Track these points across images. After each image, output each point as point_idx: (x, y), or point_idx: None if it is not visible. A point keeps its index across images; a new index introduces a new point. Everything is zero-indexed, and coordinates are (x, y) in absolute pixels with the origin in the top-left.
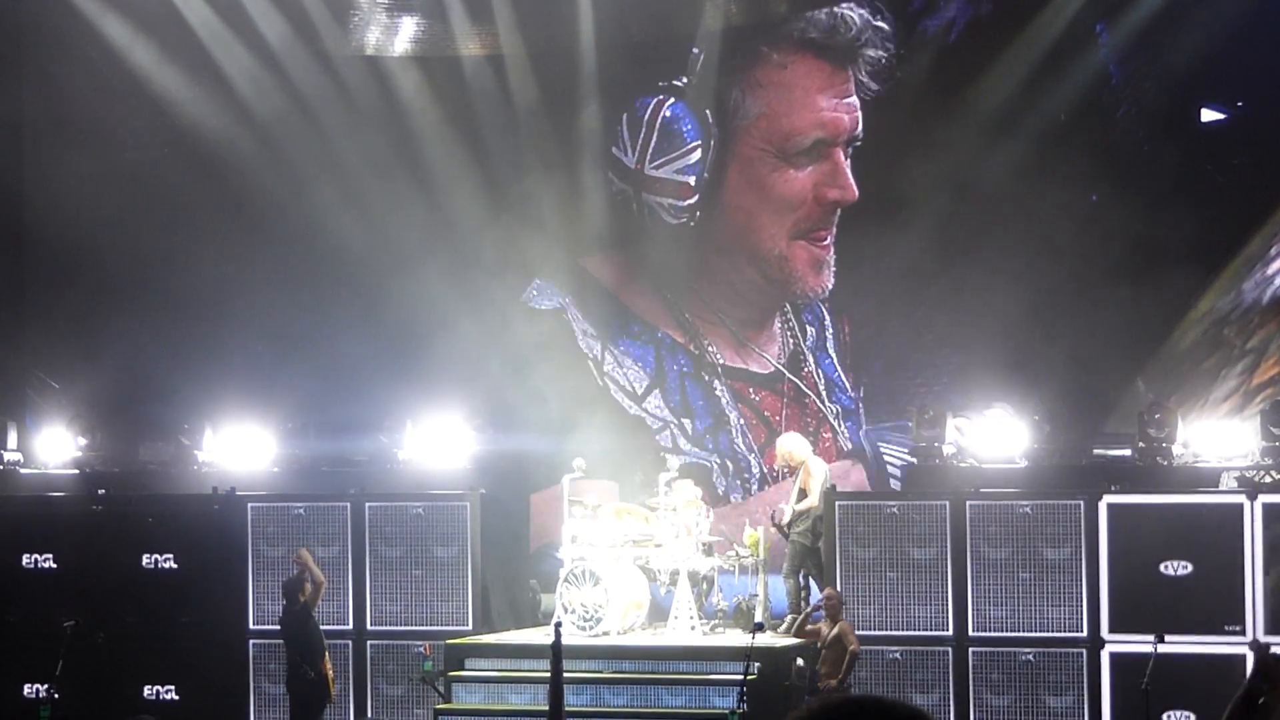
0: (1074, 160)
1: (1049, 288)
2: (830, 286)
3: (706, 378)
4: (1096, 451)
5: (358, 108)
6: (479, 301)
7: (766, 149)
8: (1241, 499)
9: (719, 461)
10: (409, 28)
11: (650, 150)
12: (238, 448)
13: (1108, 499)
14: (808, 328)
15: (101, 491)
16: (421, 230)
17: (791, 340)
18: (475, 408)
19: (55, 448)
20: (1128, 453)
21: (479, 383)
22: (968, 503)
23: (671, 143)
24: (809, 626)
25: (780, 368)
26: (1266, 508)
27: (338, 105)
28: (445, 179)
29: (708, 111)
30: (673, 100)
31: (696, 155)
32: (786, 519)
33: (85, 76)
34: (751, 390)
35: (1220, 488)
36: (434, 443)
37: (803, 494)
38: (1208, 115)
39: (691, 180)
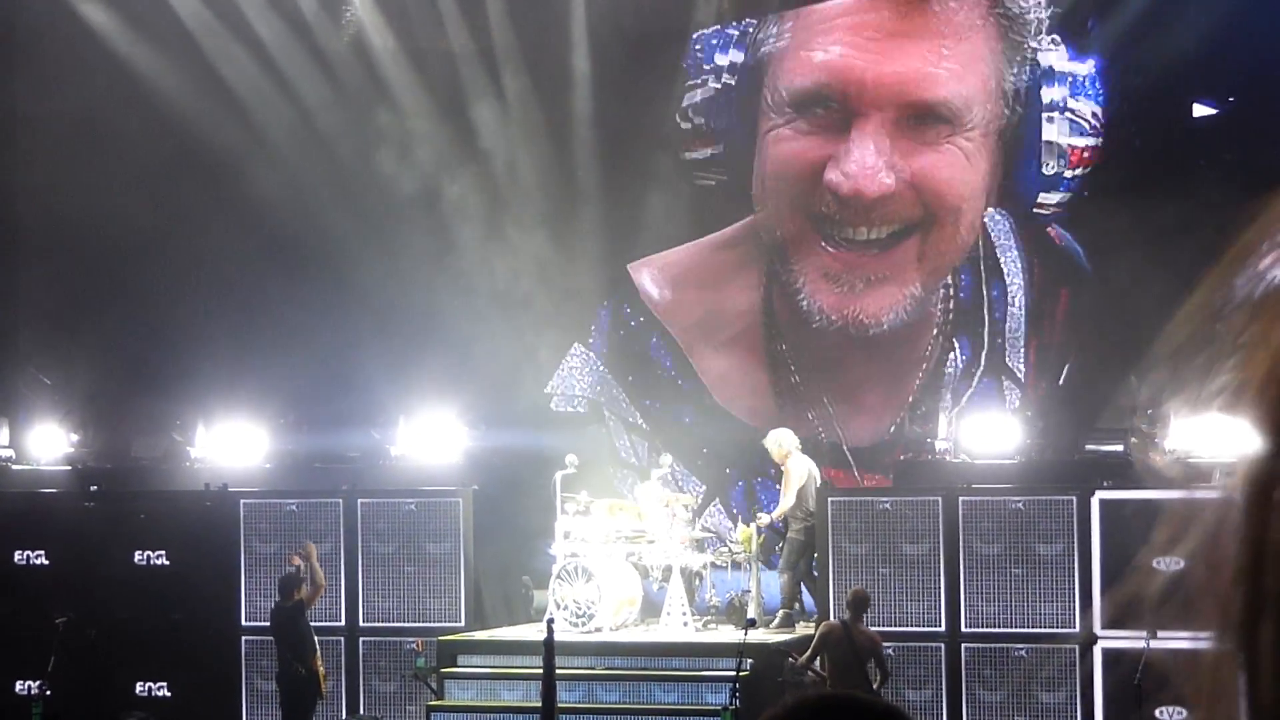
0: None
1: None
2: (877, 319)
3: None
4: (1089, 447)
5: (352, 102)
6: (472, 296)
7: (772, 97)
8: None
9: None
10: (400, 20)
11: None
12: (230, 444)
13: (1100, 495)
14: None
15: (94, 488)
16: (415, 225)
17: None
18: (468, 403)
19: (47, 444)
20: (1120, 448)
21: (472, 378)
22: (960, 499)
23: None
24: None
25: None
26: None
27: (333, 101)
28: (439, 171)
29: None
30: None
31: (700, 94)
32: (764, 522)
33: (78, 72)
34: None
35: (1213, 483)
36: (427, 439)
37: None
38: (1199, 110)
39: (703, 122)
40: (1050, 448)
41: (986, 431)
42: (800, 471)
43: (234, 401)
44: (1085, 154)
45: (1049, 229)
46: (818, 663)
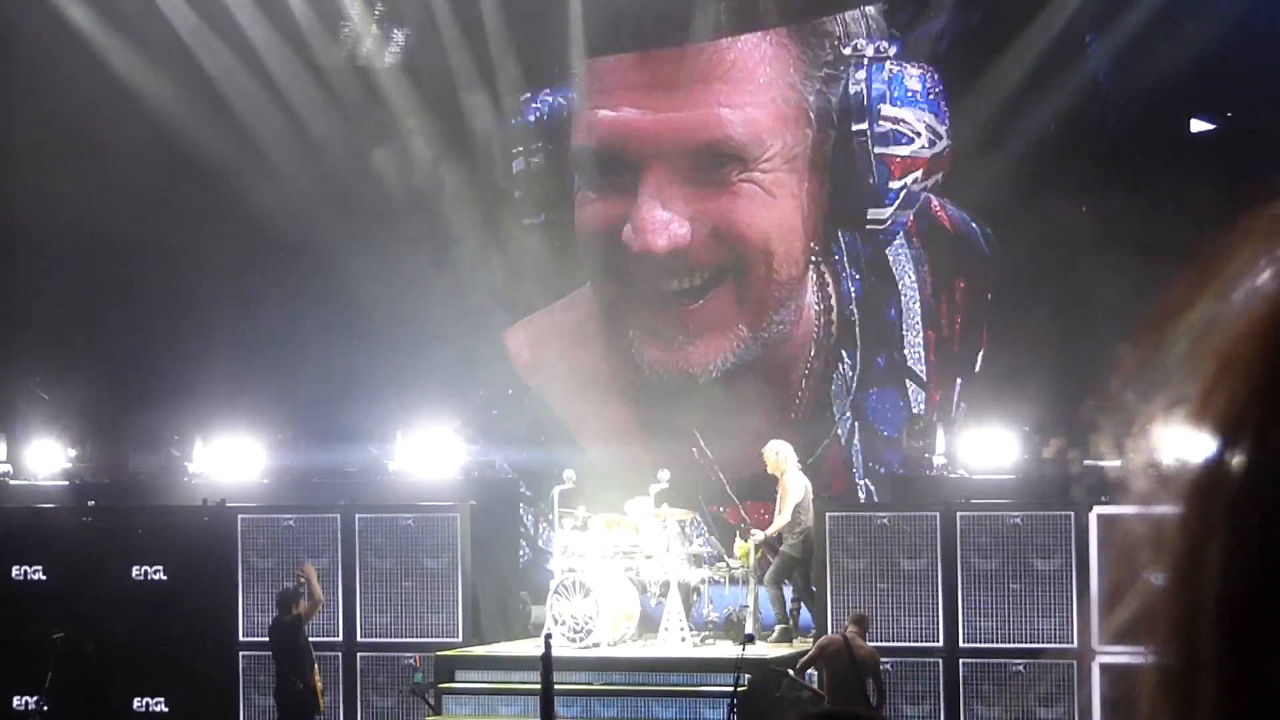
0: (1064, 171)
1: (1039, 297)
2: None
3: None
4: (1087, 462)
5: (350, 119)
6: (470, 311)
7: (573, 161)
8: None
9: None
10: (400, 38)
11: None
12: (228, 459)
13: (1098, 510)
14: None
15: (91, 503)
16: (414, 241)
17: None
18: (466, 419)
19: (45, 459)
20: (1118, 463)
21: (470, 395)
22: (958, 514)
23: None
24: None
25: None
26: None
27: (331, 117)
28: (436, 190)
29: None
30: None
31: (516, 165)
32: (759, 539)
33: (77, 86)
34: None
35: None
36: (424, 454)
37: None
38: (1197, 125)
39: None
40: (1048, 462)
41: (984, 446)
42: (797, 488)
43: (232, 416)
44: (914, 163)
45: (937, 210)
46: (816, 679)
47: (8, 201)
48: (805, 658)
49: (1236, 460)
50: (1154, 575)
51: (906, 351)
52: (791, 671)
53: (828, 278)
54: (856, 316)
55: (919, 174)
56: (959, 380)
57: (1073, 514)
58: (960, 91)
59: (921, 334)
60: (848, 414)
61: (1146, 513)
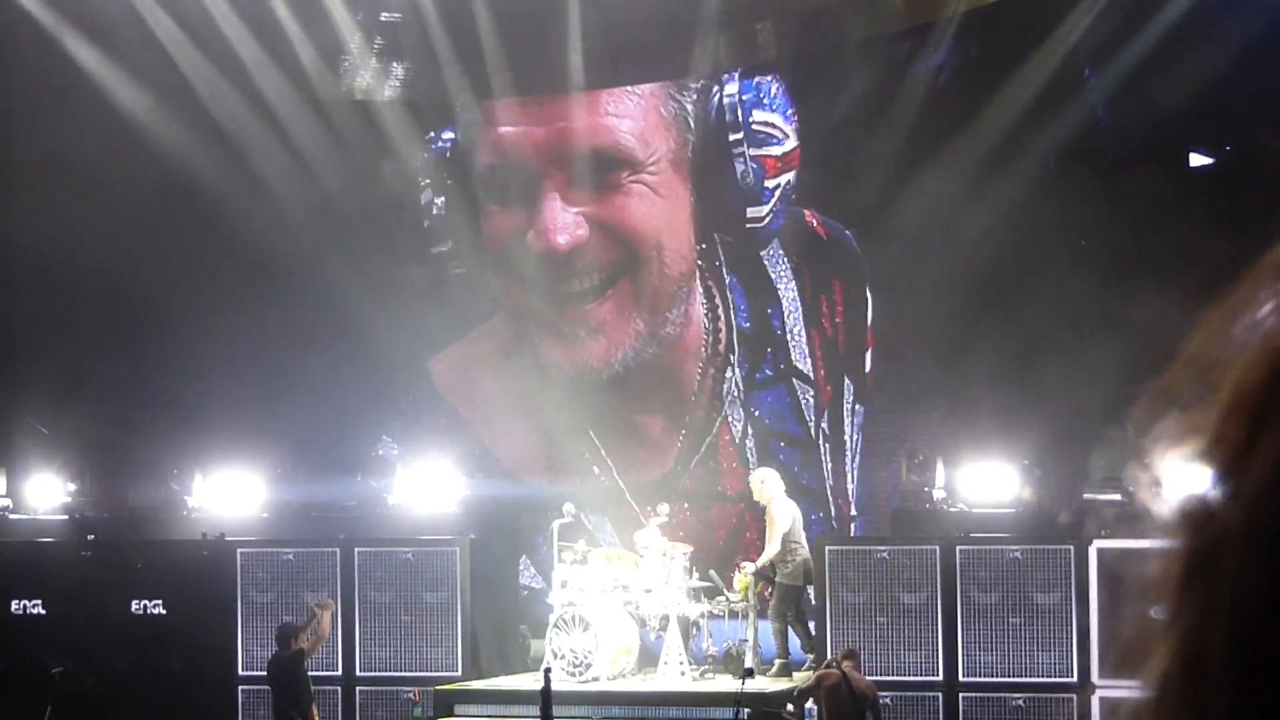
0: (1062, 204)
1: (1037, 331)
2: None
3: None
4: (1086, 496)
5: (349, 152)
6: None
7: (478, 181)
8: None
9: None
10: (399, 72)
11: None
12: (227, 493)
13: (1097, 544)
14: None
15: (90, 537)
16: (413, 274)
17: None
18: (464, 453)
19: (44, 493)
20: (1117, 497)
21: (465, 428)
22: (957, 548)
23: None
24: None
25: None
26: None
27: (329, 150)
28: (436, 220)
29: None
30: None
31: (424, 197)
32: (750, 572)
33: (76, 121)
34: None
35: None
36: (423, 488)
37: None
38: (1196, 159)
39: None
40: (1048, 496)
41: (984, 480)
42: (784, 517)
43: (231, 451)
44: (781, 162)
45: (809, 219)
46: (816, 713)
47: (7, 235)
48: (803, 687)
49: (1246, 489)
50: (1158, 608)
51: (791, 352)
52: (790, 707)
53: (712, 285)
54: (739, 321)
55: (790, 175)
56: (847, 379)
57: (1072, 548)
58: (959, 124)
59: (805, 334)
60: (739, 413)
61: (1155, 546)
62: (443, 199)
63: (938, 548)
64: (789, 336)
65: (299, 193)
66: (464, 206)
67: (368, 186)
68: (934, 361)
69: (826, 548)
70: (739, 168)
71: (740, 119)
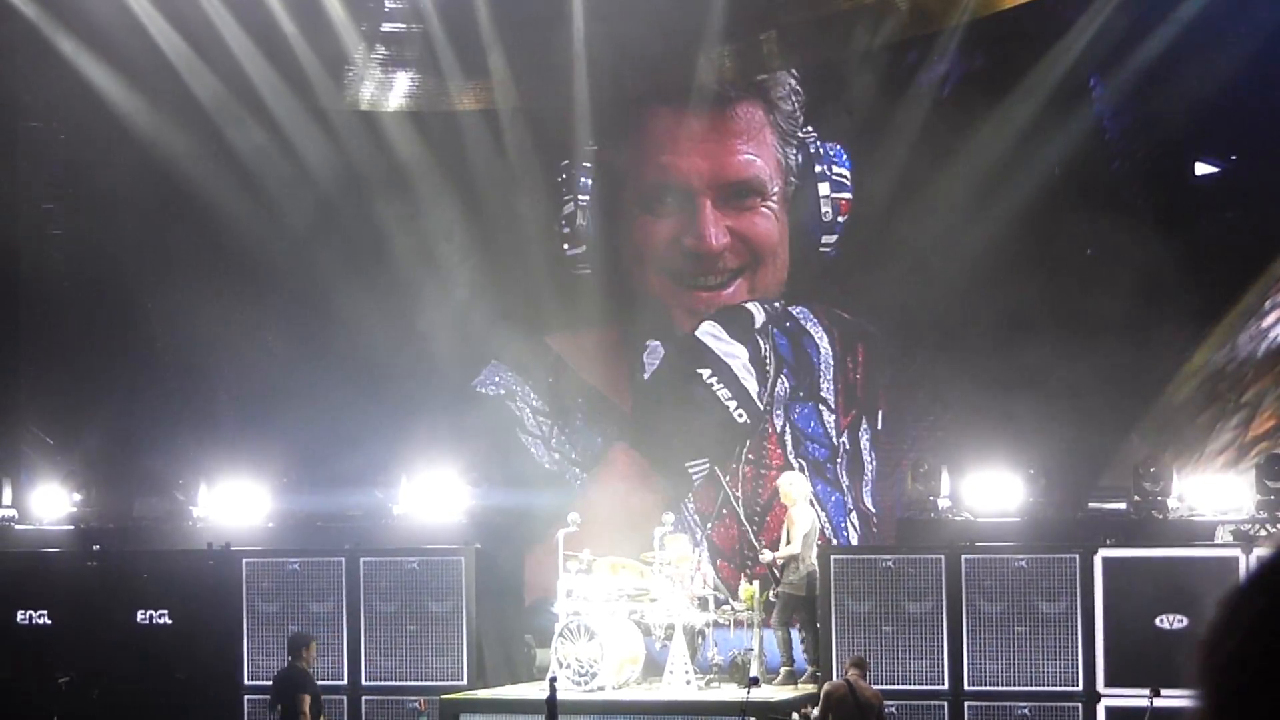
0: (1069, 214)
1: (1043, 340)
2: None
3: None
4: (1092, 505)
5: (353, 163)
6: (472, 356)
7: (632, 197)
8: (1237, 552)
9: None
10: (403, 82)
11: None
12: (232, 503)
13: (1103, 553)
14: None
15: (96, 547)
16: (417, 286)
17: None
18: (470, 462)
19: (50, 504)
20: (1123, 506)
21: (473, 438)
22: (963, 557)
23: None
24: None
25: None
26: None
27: (333, 161)
28: (439, 234)
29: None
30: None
31: (570, 206)
32: (767, 559)
33: (79, 132)
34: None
35: (1215, 541)
36: (429, 498)
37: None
38: (1201, 169)
39: (567, 229)
40: (1053, 506)
41: (989, 489)
42: (805, 521)
43: (236, 461)
44: (845, 204)
45: (842, 313)
46: None
47: (11, 246)
48: (818, 711)
49: None
50: None
51: (820, 381)
52: (796, 716)
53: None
54: (787, 343)
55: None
56: (864, 418)
57: (1078, 557)
58: (964, 134)
59: (832, 370)
60: (781, 416)
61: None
62: (585, 209)
63: (943, 557)
64: (820, 367)
65: (306, 204)
66: (601, 216)
67: (374, 201)
68: (938, 371)
69: (832, 557)
70: (824, 208)
71: (828, 171)
